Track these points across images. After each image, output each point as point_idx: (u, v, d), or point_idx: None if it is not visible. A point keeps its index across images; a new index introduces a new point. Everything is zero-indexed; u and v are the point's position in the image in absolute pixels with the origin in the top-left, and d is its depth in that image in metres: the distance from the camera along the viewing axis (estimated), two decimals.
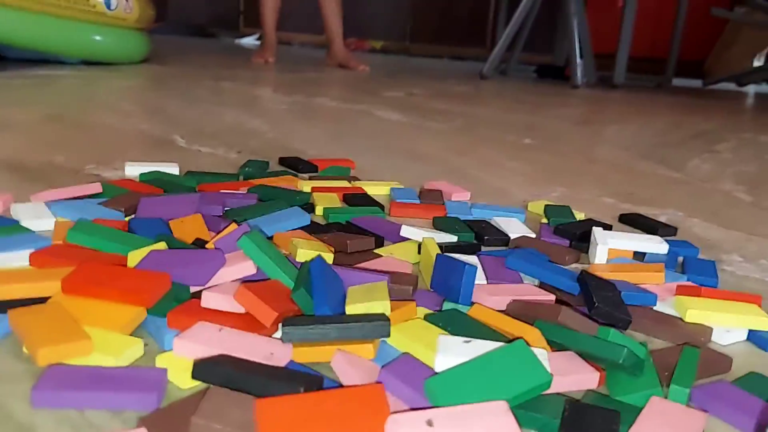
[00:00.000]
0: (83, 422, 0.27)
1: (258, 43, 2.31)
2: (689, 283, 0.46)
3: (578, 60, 2.30)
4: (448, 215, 0.59)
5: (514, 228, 0.55)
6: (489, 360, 0.29)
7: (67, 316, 0.32)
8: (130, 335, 0.33)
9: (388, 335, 0.32)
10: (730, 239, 0.64)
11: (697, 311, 0.39)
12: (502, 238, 0.52)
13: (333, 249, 0.47)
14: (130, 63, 1.66)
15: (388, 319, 0.32)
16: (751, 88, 2.87)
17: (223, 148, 0.80)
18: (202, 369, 0.29)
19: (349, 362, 0.31)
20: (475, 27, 3.49)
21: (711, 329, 0.38)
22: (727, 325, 0.39)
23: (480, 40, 3.41)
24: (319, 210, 0.57)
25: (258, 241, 0.38)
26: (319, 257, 0.38)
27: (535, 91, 2.05)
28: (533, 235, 0.54)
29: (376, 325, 0.32)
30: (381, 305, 0.35)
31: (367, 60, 2.42)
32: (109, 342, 0.31)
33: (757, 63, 2.76)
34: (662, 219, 0.68)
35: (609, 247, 0.51)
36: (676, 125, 1.51)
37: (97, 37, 1.54)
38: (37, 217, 0.46)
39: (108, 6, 1.51)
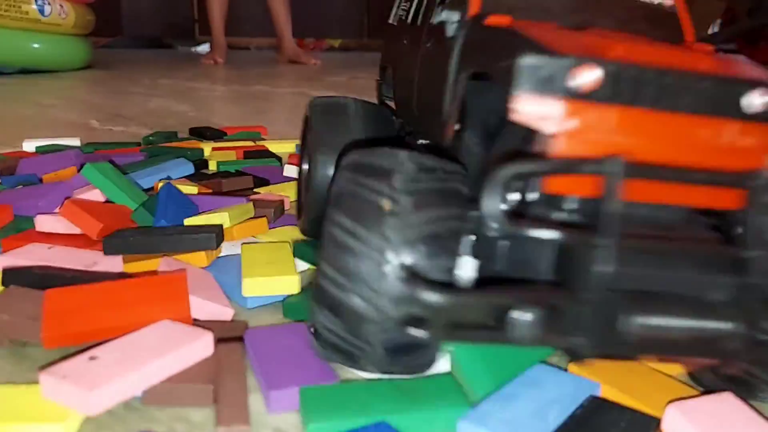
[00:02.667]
0: None
1: None
2: None
3: None
4: None
5: None
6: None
7: None
8: None
9: (215, 248, 0.31)
10: None
11: None
12: None
13: (211, 189, 0.47)
14: (71, 70, 1.64)
15: (215, 232, 0.32)
16: None
17: (137, 127, 0.79)
18: (10, 276, 0.28)
19: (173, 268, 0.30)
20: None
21: None
22: None
23: None
24: (213, 165, 0.57)
25: (102, 169, 0.37)
26: (169, 183, 0.38)
27: None
28: None
29: (202, 237, 0.31)
30: (219, 217, 0.34)
31: (324, 58, 2.42)
32: None
33: (712, 32, 2.79)
34: None
35: None
36: None
37: (35, 45, 1.52)
38: None
39: (42, 12, 1.49)
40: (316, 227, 0.30)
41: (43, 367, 0.21)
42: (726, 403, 0.21)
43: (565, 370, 0.24)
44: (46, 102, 1.02)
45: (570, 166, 0.19)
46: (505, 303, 0.19)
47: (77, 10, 1.60)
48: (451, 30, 0.24)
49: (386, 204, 0.20)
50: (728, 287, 0.20)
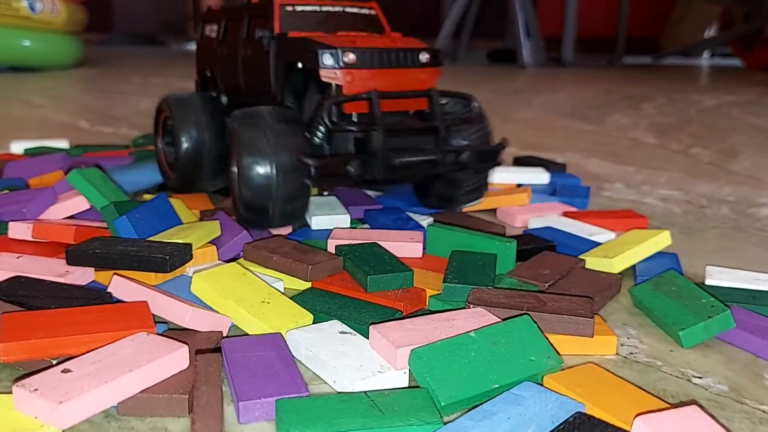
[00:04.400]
0: None
1: None
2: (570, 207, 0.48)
3: (524, 41, 2.31)
4: None
5: None
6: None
7: None
8: None
9: (167, 271, 0.30)
10: (618, 172, 0.65)
11: (619, 258, 0.37)
12: None
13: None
14: (62, 68, 1.64)
15: (175, 253, 0.31)
16: (704, 62, 2.90)
17: (127, 128, 0.79)
18: None
19: (126, 285, 0.30)
20: (430, 17, 3.50)
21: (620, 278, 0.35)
22: (645, 254, 0.38)
23: (435, 29, 3.42)
24: None
25: (88, 175, 0.37)
26: (163, 194, 0.38)
27: (482, 72, 2.06)
28: None
29: (156, 259, 0.30)
30: (186, 236, 0.34)
31: None
32: None
33: (708, 36, 2.79)
34: (560, 161, 0.68)
35: (494, 181, 0.53)
36: (608, 92, 1.52)
37: (25, 42, 1.52)
38: None
39: (32, 9, 1.49)
40: (184, 184, 0.47)
41: (18, 379, 0.22)
42: (692, 416, 0.21)
43: (540, 384, 0.24)
44: (35, 101, 1.02)
45: (355, 97, 0.39)
46: (344, 161, 0.38)
47: (69, 8, 1.59)
48: (265, 42, 0.43)
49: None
50: (431, 140, 0.41)
